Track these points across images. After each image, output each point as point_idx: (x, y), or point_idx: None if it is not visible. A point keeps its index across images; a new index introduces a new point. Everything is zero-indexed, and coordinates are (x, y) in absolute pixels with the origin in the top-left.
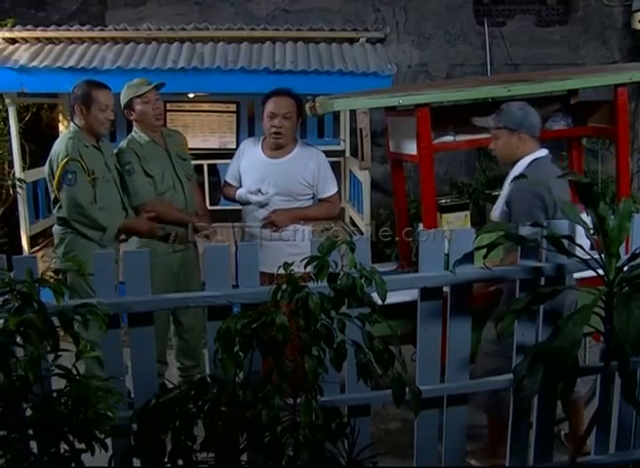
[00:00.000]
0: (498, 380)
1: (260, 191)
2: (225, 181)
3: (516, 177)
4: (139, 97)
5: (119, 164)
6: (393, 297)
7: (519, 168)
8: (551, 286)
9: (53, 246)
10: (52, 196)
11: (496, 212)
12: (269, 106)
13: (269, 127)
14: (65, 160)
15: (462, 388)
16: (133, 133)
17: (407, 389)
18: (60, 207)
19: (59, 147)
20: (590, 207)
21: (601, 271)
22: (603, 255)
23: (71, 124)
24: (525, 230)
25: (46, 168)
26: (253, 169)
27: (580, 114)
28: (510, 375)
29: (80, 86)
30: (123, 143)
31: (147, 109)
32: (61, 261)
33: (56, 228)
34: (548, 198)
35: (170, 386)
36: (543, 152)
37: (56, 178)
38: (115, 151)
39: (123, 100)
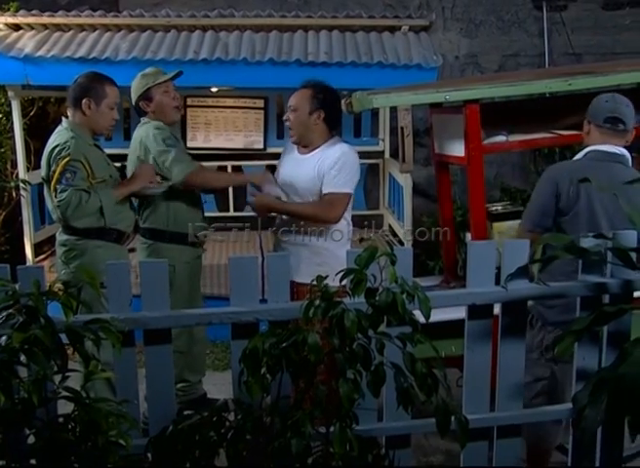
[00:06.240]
0: (555, 410)
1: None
2: None
3: None
4: (157, 86)
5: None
6: (438, 315)
7: (579, 155)
8: (617, 304)
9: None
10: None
11: None
12: None
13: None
14: (67, 159)
15: (515, 418)
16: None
17: (452, 418)
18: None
19: (58, 146)
20: None
21: None
22: None
23: (65, 119)
24: (587, 241)
25: (43, 169)
26: (281, 167)
27: None
28: (569, 404)
29: (88, 77)
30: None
31: (168, 100)
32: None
33: (67, 238)
34: (565, 186)
35: None
36: (604, 147)
37: (54, 179)
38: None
39: (138, 91)
